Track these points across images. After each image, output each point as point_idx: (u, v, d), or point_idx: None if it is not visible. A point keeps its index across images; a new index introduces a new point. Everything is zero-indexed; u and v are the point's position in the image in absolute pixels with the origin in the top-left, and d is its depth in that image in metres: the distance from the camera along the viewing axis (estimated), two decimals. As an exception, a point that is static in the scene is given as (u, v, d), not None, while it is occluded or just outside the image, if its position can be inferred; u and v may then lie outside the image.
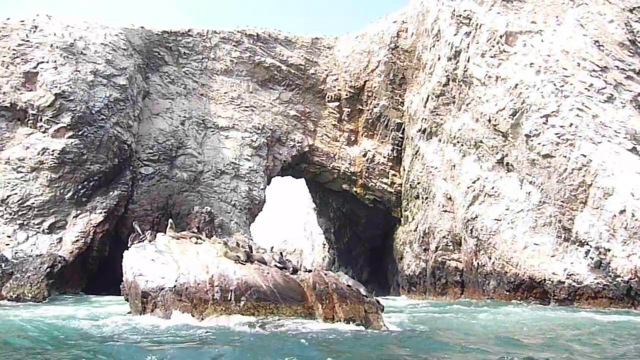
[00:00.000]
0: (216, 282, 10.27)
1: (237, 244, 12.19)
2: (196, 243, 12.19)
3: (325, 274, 11.94)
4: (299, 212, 52.48)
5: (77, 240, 21.55)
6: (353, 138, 33.17)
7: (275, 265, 11.73)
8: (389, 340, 9.02)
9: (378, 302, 11.26)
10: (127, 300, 11.41)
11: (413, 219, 30.46)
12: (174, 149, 27.08)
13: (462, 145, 26.32)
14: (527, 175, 22.30)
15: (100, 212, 22.59)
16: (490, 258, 23.19)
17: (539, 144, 21.52)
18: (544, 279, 20.32)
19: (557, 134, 21.01)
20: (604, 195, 19.13)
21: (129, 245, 12.48)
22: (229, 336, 8.38)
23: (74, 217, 22.17)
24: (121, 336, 8.33)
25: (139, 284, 10.45)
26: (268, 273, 11.05)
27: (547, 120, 21.48)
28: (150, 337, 8.13)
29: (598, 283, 18.66)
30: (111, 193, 23.52)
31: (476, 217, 24.32)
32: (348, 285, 11.28)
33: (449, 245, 26.51)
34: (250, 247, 12.19)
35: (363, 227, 34.96)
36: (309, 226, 48.69)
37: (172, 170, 26.60)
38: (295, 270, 12.74)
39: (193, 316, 9.84)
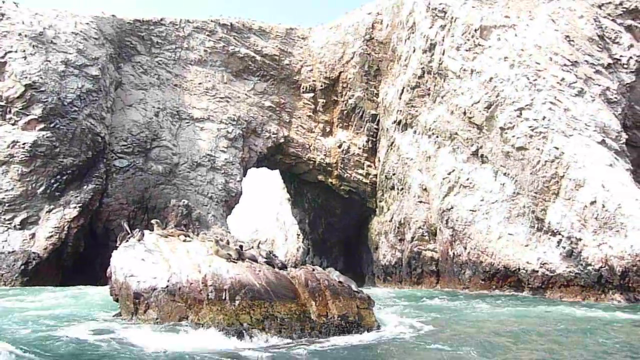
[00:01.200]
0: (209, 281, 10.16)
1: (227, 242, 12.07)
2: (184, 241, 12.02)
3: (314, 270, 12.00)
4: (270, 202, 52.30)
5: (51, 236, 20.93)
6: (328, 129, 33.19)
7: (266, 263, 11.69)
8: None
9: (369, 297, 11.38)
10: (116, 301, 11.17)
11: (388, 209, 30.82)
12: (149, 141, 26.51)
13: (437, 137, 26.70)
14: (502, 167, 22.82)
15: (75, 207, 21.97)
16: (465, 248, 23.72)
17: (513, 136, 22.02)
18: (518, 268, 20.94)
19: (530, 127, 21.54)
20: (575, 187, 19.76)
21: (117, 244, 12.18)
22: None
23: (47, 212, 21.50)
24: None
25: (131, 285, 10.26)
26: (260, 271, 11.00)
27: (521, 114, 21.98)
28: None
29: (570, 272, 19.33)
30: (85, 187, 22.89)
31: (451, 207, 24.79)
32: (339, 282, 11.35)
33: (425, 236, 26.96)
34: (241, 246, 12.10)
35: (338, 217, 35.17)
36: (282, 216, 48.60)
37: (147, 162, 26.06)
38: (283, 267, 12.73)
39: (187, 318, 9.72)
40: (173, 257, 11.04)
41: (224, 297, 9.92)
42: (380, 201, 31.74)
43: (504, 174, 22.76)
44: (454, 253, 24.43)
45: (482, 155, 24.03)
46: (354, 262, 34.91)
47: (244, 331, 9.21)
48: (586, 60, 23.23)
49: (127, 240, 11.85)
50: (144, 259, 10.83)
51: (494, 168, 23.34)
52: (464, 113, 24.64)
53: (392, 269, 29.41)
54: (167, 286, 10.19)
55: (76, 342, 7.73)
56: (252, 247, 13.88)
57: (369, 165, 32.35)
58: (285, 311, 10.03)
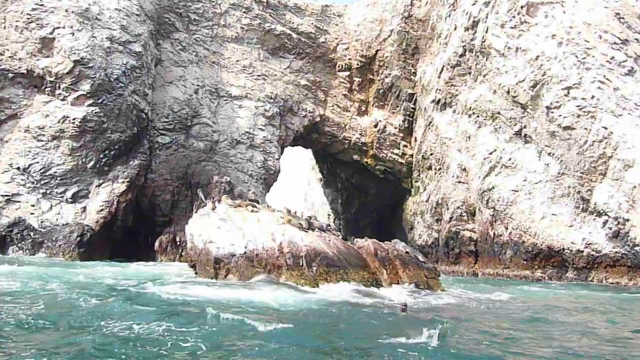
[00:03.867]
0: (286, 248, 10.81)
1: (291, 212, 12.67)
2: (252, 211, 12.64)
3: (375, 241, 12.58)
4: (299, 183, 52.95)
5: (102, 210, 21.83)
6: (364, 108, 33.52)
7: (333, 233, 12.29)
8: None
9: (435, 268, 11.93)
10: (192, 267, 11.89)
11: (425, 189, 31.20)
12: (189, 117, 27.19)
13: (478, 116, 26.87)
14: (546, 146, 23.00)
15: (123, 182, 22.82)
16: (507, 228, 24.08)
17: (560, 115, 22.16)
18: (563, 248, 21.29)
19: (578, 106, 21.65)
20: (624, 167, 19.95)
21: (194, 212, 12.87)
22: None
23: (96, 186, 22.38)
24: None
25: (211, 251, 10.95)
26: (330, 240, 11.62)
27: (568, 93, 22.07)
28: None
29: (616, 252, 19.65)
30: (131, 162, 23.70)
31: (492, 187, 25.09)
32: (406, 252, 11.93)
33: (463, 216, 27.34)
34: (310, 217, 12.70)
35: (372, 197, 35.68)
36: (310, 197, 49.29)
37: (189, 139, 26.78)
38: (344, 238, 13.35)
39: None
40: (246, 226, 11.69)
41: (301, 264, 10.56)
42: (416, 181, 32.12)
43: (549, 153, 22.95)
44: (494, 233, 24.80)
45: (525, 135, 24.21)
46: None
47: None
48: (636, 39, 23.09)
49: (202, 208, 12.51)
50: (219, 227, 11.49)
51: (538, 148, 23.53)
52: (508, 92, 24.76)
53: (428, 249, 29.89)
54: (245, 252, 10.86)
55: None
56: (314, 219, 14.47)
57: (405, 145, 32.67)
58: (358, 278, 10.64)
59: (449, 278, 19.28)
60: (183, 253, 22.51)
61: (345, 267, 10.81)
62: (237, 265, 10.65)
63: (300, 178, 51.29)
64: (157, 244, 23.48)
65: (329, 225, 13.52)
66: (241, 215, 12.22)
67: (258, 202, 13.39)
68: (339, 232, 13.47)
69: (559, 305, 10.64)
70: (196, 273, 11.67)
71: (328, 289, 9.39)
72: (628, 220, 19.36)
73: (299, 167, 50.72)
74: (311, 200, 48.55)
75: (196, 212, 12.63)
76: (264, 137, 28.95)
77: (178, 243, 23.54)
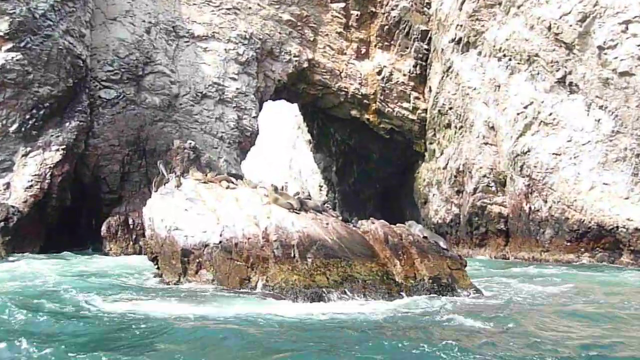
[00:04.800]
0: (273, 235, 10.74)
1: (279, 189, 12.55)
2: (228, 188, 12.53)
3: (385, 224, 12.57)
4: (281, 146, 52.84)
5: (31, 186, 21.59)
6: (364, 50, 33.16)
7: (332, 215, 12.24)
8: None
9: (460, 257, 11.97)
10: (153, 261, 11.82)
11: (442, 153, 31.25)
12: (140, 65, 26.73)
13: (510, 59, 26.73)
14: (597, 98, 22.97)
15: (57, 150, 22.51)
16: (545, 201, 24.25)
17: (615, 58, 22.05)
18: (617, 226, 21.51)
19: (639, 45, 21.53)
20: (695, 123, 20.01)
21: (153, 190, 12.73)
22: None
23: (22, 155, 22.07)
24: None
25: (177, 241, 10.87)
26: (328, 224, 11.58)
27: (626, 28, 21.91)
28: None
29: (684, 229, 19.91)
30: (67, 124, 23.33)
31: (528, 151, 25.15)
32: (424, 237, 11.94)
33: (491, 186, 27.48)
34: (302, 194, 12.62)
35: (375, 164, 35.70)
36: (296, 164, 49.28)
37: (140, 93, 26.38)
38: (345, 220, 13.32)
39: (249, 279, 10.34)
40: (220, 207, 11.60)
41: (292, 255, 10.51)
42: (431, 143, 32.13)
43: (600, 107, 22.93)
44: (530, 208, 25.00)
45: (570, 83, 24.13)
46: (395, 220, 35.35)
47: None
48: None
49: (164, 186, 12.37)
50: (186, 210, 11.38)
51: (586, 100, 23.50)
52: (549, 28, 24.56)
53: (447, 227, 30.14)
54: (221, 242, 10.78)
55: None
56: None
57: (416, 97, 32.52)
58: (365, 272, 10.65)
59: (474, 264, 19.44)
60: (139, 239, 22.44)
61: (348, 257, 10.77)
62: (211, 259, 10.58)
63: (283, 140, 51.10)
64: (104, 228, 23.37)
65: (326, 204, 13.44)
66: (214, 193, 12.11)
67: (236, 177, 13.25)
68: (338, 213, 13.42)
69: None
70: (158, 268, 11.61)
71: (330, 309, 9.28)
72: (698, 190, 19.54)
73: (282, 126, 50.45)
74: (297, 168, 48.56)
75: (156, 190, 12.48)
76: (237, 89, 28.58)
77: (131, 226, 23.44)
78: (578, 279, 15.60)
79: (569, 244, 23.08)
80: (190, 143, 24.97)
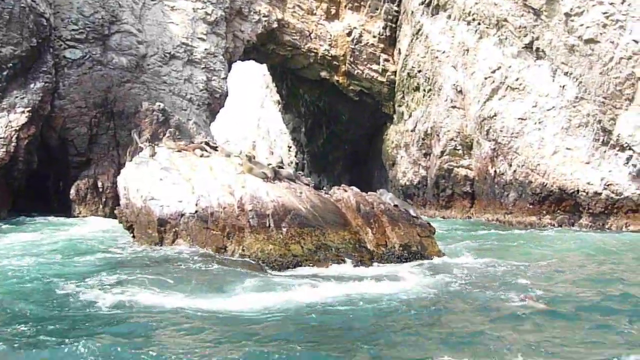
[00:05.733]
0: (248, 205, 10.98)
1: (251, 157, 12.74)
2: (202, 156, 12.66)
3: (357, 192, 12.91)
4: (250, 106, 52.58)
5: (-3, 149, 21.31)
6: (333, 11, 32.96)
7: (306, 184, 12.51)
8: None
9: (429, 224, 12.42)
10: (129, 229, 11.96)
11: (410, 116, 31.60)
12: (106, 24, 26.18)
13: (479, 23, 26.95)
14: (563, 64, 23.44)
15: (22, 112, 22.14)
16: (510, 165, 24.89)
17: (582, 25, 22.44)
18: (577, 190, 22.28)
19: (605, 13, 21.91)
20: (656, 91, 20.65)
21: (127, 159, 12.78)
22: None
23: (-13, 118, 21.67)
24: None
25: (153, 210, 11.02)
26: (302, 193, 11.86)
27: (593, -4, 22.28)
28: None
29: (640, 194, 20.75)
30: (32, 85, 22.89)
31: (495, 115, 25.65)
32: (395, 206, 12.32)
33: (458, 150, 28.02)
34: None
35: (344, 125, 35.89)
36: (265, 124, 49.17)
37: (107, 53, 25.92)
38: (317, 187, 13.61)
39: (225, 248, 10.60)
40: (195, 177, 11.76)
41: (267, 224, 10.79)
42: (400, 105, 32.41)
43: (566, 73, 23.43)
44: (495, 171, 25.63)
45: (537, 49, 24.53)
46: (363, 182, 36.06)
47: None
48: None
49: (138, 155, 12.44)
50: (161, 179, 11.51)
51: (552, 65, 23.96)
52: (518, -7, 24.79)
53: (414, 189, 30.72)
54: (197, 211, 10.99)
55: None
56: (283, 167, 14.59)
57: (386, 60, 32.62)
58: (338, 240, 11.01)
59: (443, 225, 20.08)
60: (108, 202, 22.44)
61: (322, 226, 11.11)
62: (187, 228, 10.79)
63: (251, 99, 50.83)
64: (73, 191, 23.23)
65: (299, 172, 13.71)
66: (188, 162, 12.23)
67: (209, 145, 13.36)
68: (310, 181, 13.70)
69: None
70: (134, 237, 11.77)
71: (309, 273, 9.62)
72: (656, 155, 20.31)
73: (250, 85, 50.11)
74: (266, 128, 48.48)
75: (131, 159, 12.54)
76: (206, 49, 28.27)
77: (100, 189, 23.35)
78: (545, 240, 16.33)
79: (531, 206, 23.84)
80: (159, 105, 24.81)
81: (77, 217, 22.58)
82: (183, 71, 27.46)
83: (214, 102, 28.18)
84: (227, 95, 29.17)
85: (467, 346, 5.87)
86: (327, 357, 5.45)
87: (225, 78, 28.95)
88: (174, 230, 10.89)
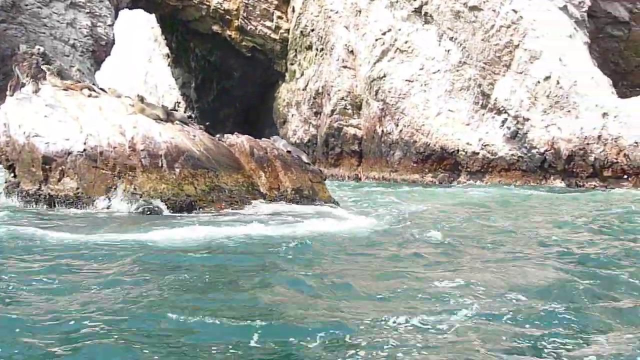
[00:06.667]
0: (140, 145, 10.80)
1: (143, 98, 12.45)
2: (90, 96, 12.22)
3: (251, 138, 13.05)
4: (137, 58, 50.58)
5: None
6: (227, -38, 32.27)
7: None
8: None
9: (320, 170, 12.79)
10: (9, 169, 11.37)
11: (302, 74, 31.84)
12: (-21, -42, 24.14)
13: (371, -15, 27.49)
14: (449, 29, 24.55)
15: None
16: (397, 125, 25.90)
17: (467, -8, 23.54)
18: (457, 150, 23.65)
19: (488, -18, 23.12)
20: (530, 59, 22.19)
21: (8, 94, 12.03)
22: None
23: None
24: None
25: (38, 147, 10.56)
26: (195, 136, 11.80)
27: (478, -35, 23.38)
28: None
29: (512, 155, 22.37)
30: None
31: (384, 76, 26.47)
32: (288, 152, 12.57)
33: (348, 109, 28.67)
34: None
35: (236, 82, 35.53)
36: (152, 78, 47.63)
37: (-21, -11, 23.97)
38: (210, 133, 13.57)
39: (116, 187, 10.41)
40: (84, 116, 11.36)
41: (160, 164, 10.69)
42: (292, 64, 32.54)
43: (451, 38, 24.57)
44: (382, 131, 26.55)
45: (426, 14, 25.47)
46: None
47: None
48: None
49: (20, 91, 11.77)
50: (46, 116, 11.02)
51: (439, 30, 25.01)
52: (409, -43, 25.50)
53: (304, 147, 31.02)
54: (85, 150, 10.66)
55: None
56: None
57: (279, 17, 32.50)
58: (232, 182, 11.12)
59: (332, 183, 20.62)
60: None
61: (215, 168, 11.15)
62: (75, 167, 10.43)
63: (139, 53, 48.89)
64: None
65: (191, 117, 13.57)
66: (76, 101, 11.74)
67: (92, 89, 12.88)
68: (203, 127, 13.62)
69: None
70: (15, 176, 11.22)
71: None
72: (528, 119, 21.90)
73: (138, 38, 48.15)
74: (153, 83, 46.97)
75: (12, 94, 11.84)
76: (91, -7, 26.85)
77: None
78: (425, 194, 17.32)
79: (415, 165, 25.00)
80: (39, 49, 23.17)
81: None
82: (65, 15, 25.95)
83: (99, 50, 26.91)
84: (113, 43, 27.93)
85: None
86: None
87: (111, 25, 27.68)
88: (60, 168, 10.49)
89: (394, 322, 4.28)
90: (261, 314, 4.42)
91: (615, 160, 19.30)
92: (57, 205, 10.63)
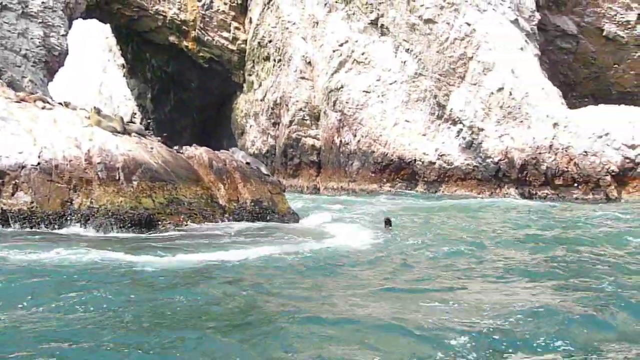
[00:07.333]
0: (96, 158, 10.66)
1: (99, 110, 12.32)
2: (44, 108, 12.01)
3: (209, 150, 13.03)
4: (91, 69, 49.87)
5: None
6: (184, -26, 32.15)
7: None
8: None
9: (280, 182, 12.85)
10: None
11: (260, 85, 31.87)
12: None
13: (328, -3, 27.78)
14: (405, 41, 24.96)
15: None
16: (355, 135, 26.15)
17: (422, 5, 24.02)
18: (414, 160, 24.00)
19: (442, -5, 23.62)
20: (484, 71, 22.72)
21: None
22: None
23: None
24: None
25: (-9, 161, 10.30)
26: (152, 148, 11.72)
27: (433, -22, 23.87)
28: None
29: (468, 164, 22.81)
30: None
31: (341, 87, 26.73)
32: (247, 163, 12.59)
33: (306, 120, 28.82)
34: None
35: (193, 93, 35.34)
36: (107, 89, 46.96)
37: None
38: (168, 145, 13.50)
39: (72, 201, 10.24)
40: (37, 128, 11.16)
41: (117, 177, 10.57)
42: (250, 75, 32.55)
43: (407, 50, 24.99)
44: (340, 141, 26.77)
45: (382, 26, 25.87)
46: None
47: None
48: None
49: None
50: (-2, 129, 10.78)
51: (395, 42, 25.41)
52: (365, -29, 25.88)
53: (263, 158, 31.05)
54: (39, 163, 10.46)
55: None
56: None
57: (237, 28, 32.51)
58: (191, 195, 11.08)
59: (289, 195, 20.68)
60: None
61: (174, 181, 11.08)
62: (29, 180, 10.21)
63: (93, 63, 48.18)
64: None
65: (148, 128, 13.47)
66: (29, 113, 11.51)
67: (46, 101, 12.67)
68: (160, 139, 13.53)
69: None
70: (-34, 191, 10.91)
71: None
72: (482, 129, 22.38)
73: (92, 48, 47.47)
74: (108, 93, 46.30)
75: (-38, 107, 11.52)
76: (43, 2, 26.29)
77: None
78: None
79: (373, 174, 25.26)
80: (-10, 59, 22.84)
81: None
82: (17, 24, 25.36)
83: (52, 60, 26.36)
84: (67, 54, 27.42)
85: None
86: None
87: (65, 35, 27.17)
88: (13, 182, 10.25)
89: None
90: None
91: (566, 169, 19.85)
92: (10, 220, 10.37)
